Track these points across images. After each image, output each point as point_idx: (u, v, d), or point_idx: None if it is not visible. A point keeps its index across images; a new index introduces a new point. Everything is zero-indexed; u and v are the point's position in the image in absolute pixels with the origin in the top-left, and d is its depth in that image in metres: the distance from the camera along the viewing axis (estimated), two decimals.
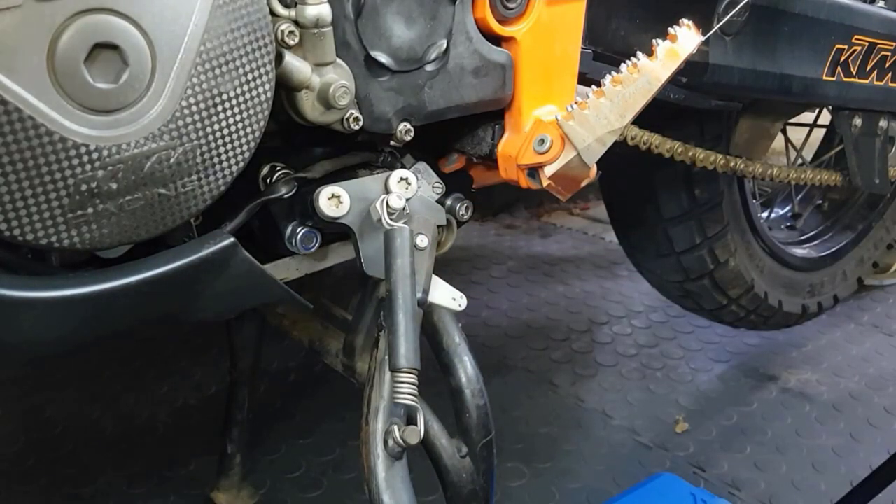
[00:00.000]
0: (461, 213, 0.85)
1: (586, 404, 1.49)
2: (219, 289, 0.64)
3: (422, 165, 0.79)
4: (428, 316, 0.81)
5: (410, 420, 0.70)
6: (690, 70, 0.99)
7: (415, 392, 0.67)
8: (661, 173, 1.35)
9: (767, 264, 1.50)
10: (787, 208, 1.73)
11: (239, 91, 0.60)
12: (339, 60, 0.67)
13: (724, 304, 1.48)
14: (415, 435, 0.68)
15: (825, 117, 1.63)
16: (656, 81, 0.79)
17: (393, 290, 0.67)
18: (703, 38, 0.82)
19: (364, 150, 0.80)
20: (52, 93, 0.52)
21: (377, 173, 0.74)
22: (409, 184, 0.73)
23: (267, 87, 0.61)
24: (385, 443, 0.69)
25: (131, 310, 0.61)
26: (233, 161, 0.61)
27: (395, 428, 0.69)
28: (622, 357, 1.65)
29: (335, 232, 0.78)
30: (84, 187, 0.55)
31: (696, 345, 1.70)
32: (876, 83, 1.25)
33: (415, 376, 0.67)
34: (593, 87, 0.79)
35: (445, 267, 1.92)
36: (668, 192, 1.36)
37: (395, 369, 0.66)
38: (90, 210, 0.56)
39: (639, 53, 0.79)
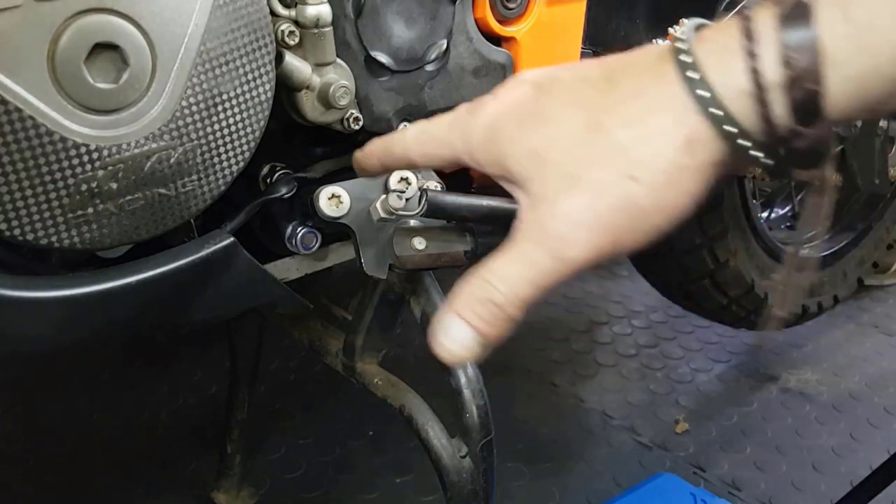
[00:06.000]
0: None
1: (586, 404, 1.48)
2: (219, 289, 0.64)
3: None
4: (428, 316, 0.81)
5: None
6: None
7: None
8: None
9: (767, 264, 1.50)
10: (787, 208, 1.73)
11: (239, 91, 0.60)
12: (339, 60, 0.67)
13: (724, 305, 1.48)
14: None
15: None
16: None
17: None
18: None
19: None
20: (52, 93, 0.52)
21: None
22: (408, 184, 0.73)
23: (267, 87, 0.62)
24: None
25: (131, 310, 0.61)
26: (233, 161, 0.61)
27: None
28: (622, 357, 1.64)
29: (335, 232, 0.78)
30: (84, 187, 0.55)
31: (696, 345, 1.69)
32: None
33: None
34: None
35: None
36: None
37: None
38: (90, 210, 0.56)
39: None
